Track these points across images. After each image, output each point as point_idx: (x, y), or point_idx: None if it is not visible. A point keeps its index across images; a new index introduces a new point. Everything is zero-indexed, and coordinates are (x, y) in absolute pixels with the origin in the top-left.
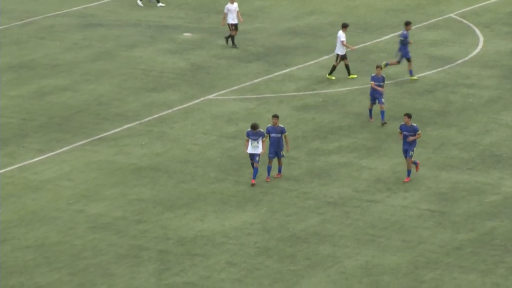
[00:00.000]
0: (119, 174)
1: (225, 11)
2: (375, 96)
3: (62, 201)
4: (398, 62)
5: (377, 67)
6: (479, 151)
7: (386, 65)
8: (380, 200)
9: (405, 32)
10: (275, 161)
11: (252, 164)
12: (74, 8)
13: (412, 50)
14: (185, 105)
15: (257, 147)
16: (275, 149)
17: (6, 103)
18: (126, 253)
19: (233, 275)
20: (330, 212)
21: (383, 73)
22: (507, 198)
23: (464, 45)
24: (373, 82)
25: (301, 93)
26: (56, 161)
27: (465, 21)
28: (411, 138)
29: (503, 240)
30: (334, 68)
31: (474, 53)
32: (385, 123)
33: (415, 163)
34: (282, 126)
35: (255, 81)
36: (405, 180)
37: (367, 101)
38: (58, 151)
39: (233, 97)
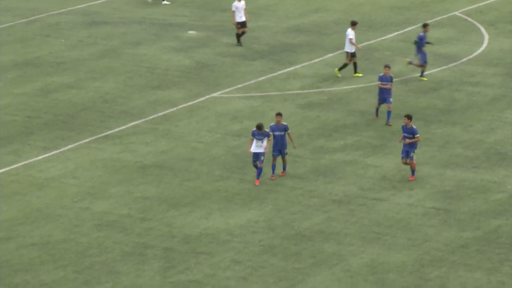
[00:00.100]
0: (124, 172)
1: (233, 9)
2: (383, 96)
3: (67, 199)
4: (424, 63)
5: (385, 66)
6: (484, 149)
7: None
8: (385, 198)
9: (421, 34)
10: (279, 159)
11: (255, 165)
12: (78, 6)
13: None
14: (190, 103)
15: (261, 147)
16: (279, 147)
17: (11, 100)
18: (131, 251)
19: (238, 273)
20: (335, 210)
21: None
22: None
23: (469, 43)
24: (380, 82)
25: (305, 91)
26: (61, 158)
27: (469, 19)
28: (408, 141)
29: (508, 238)
30: (345, 65)
31: (479, 51)
32: (390, 125)
33: (413, 172)
34: (286, 124)
35: (260, 79)
36: (410, 178)
37: (372, 99)
38: (63, 148)
39: (237, 95)
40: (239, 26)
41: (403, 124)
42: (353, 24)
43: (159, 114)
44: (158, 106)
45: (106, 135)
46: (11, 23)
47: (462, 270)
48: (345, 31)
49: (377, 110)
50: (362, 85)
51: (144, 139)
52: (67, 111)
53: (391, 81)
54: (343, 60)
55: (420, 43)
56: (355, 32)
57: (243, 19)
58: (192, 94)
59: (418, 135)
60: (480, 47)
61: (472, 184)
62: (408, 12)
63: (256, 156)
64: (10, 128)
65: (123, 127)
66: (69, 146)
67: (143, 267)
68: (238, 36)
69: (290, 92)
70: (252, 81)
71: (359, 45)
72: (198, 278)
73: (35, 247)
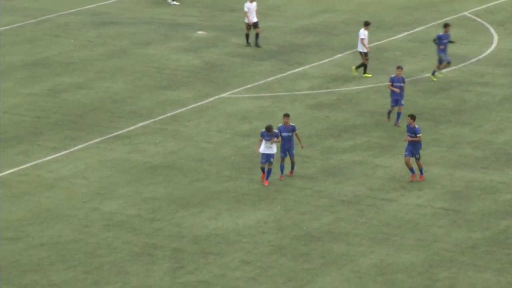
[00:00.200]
0: (134, 172)
1: (245, 9)
2: (396, 97)
3: (76, 199)
4: (449, 63)
5: (398, 68)
6: (493, 150)
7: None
8: (394, 199)
9: (441, 33)
10: (287, 160)
11: (262, 167)
12: (88, 6)
13: (426, 48)
14: (199, 103)
15: (270, 148)
16: (287, 148)
17: (20, 101)
18: (141, 251)
19: (247, 274)
20: (344, 211)
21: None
22: None
23: (478, 43)
24: (390, 83)
25: (314, 91)
26: (70, 159)
27: (479, 20)
28: (407, 138)
29: None
30: (362, 64)
31: (488, 51)
32: (399, 126)
33: (412, 171)
34: (293, 124)
35: (269, 79)
36: (419, 179)
37: (381, 100)
38: (73, 149)
39: (247, 95)
40: (250, 27)
41: (407, 123)
42: (366, 24)
43: (168, 114)
44: (167, 106)
45: (115, 136)
46: (21, 23)
47: (471, 270)
48: (354, 31)
49: (389, 112)
50: (371, 86)
51: (153, 139)
52: (76, 111)
53: (403, 82)
54: (353, 60)
55: (439, 42)
56: (368, 32)
57: (255, 20)
58: (201, 95)
59: (420, 135)
60: (490, 48)
61: (482, 185)
62: (417, 12)
63: (266, 157)
64: (19, 128)
65: (132, 127)
66: (79, 146)
67: (152, 268)
68: (247, 36)
69: (299, 92)
70: (261, 82)
71: (368, 46)
72: (207, 279)
73: (44, 247)
